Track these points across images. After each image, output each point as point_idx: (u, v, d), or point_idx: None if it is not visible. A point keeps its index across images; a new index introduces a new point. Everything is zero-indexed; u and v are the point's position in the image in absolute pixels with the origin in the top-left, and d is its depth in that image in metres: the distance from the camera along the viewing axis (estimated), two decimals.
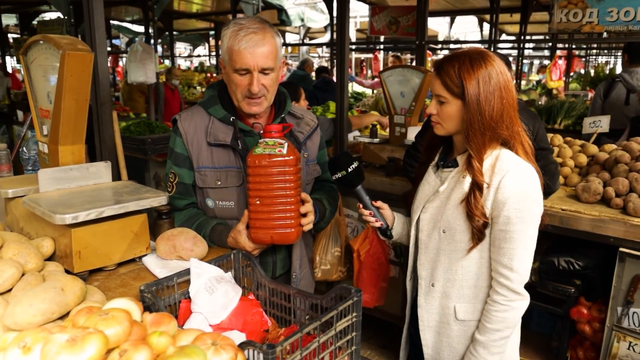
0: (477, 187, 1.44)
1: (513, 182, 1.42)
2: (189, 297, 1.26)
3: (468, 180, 1.47)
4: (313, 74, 7.72)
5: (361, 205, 1.67)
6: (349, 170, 1.60)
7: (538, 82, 11.09)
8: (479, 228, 1.45)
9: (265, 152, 1.46)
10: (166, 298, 1.25)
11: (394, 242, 1.81)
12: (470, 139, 1.45)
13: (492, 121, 1.43)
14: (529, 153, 1.50)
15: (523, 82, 10.73)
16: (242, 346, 0.93)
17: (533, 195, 1.44)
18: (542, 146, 2.24)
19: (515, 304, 1.46)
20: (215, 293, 1.23)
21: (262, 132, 1.56)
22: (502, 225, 1.43)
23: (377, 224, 1.68)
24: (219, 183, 1.68)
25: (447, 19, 10.82)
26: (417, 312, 1.64)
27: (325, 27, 10.24)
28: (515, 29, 10.28)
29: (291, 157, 1.45)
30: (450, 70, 1.44)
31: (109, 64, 2.85)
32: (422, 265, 1.62)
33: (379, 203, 1.70)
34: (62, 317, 1.05)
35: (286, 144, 1.47)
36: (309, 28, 10.91)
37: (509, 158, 1.46)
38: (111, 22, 10.40)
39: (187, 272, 1.28)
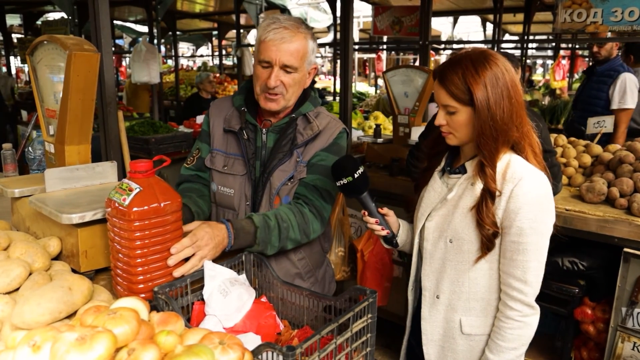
0: (489, 194, 1.37)
1: (526, 191, 1.35)
2: (202, 299, 1.26)
3: (478, 187, 1.40)
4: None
5: (366, 213, 1.58)
6: (355, 176, 1.48)
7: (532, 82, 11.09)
8: (489, 237, 1.38)
9: (112, 197, 1.20)
10: (179, 300, 1.24)
11: (398, 250, 1.73)
12: (483, 146, 1.37)
13: (503, 124, 1.36)
14: (538, 154, 1.44)
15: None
16: (261, 348, 0.93)
17: (546, 205, 1.38)
18: (545, 148, 2.22)
19: (529, 320, 1.40)
20: (229, 296, 1.23)
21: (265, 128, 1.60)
22: (515, 237, 1.36)
23: (383, 233, 1.59)
24: (225, 168, 1.71)
25: (450, 19, 10.78)
26: (421, 324, 1.57)
27: (328, 27, 10.23)
28: (519, 28, 10.24)
29: (134, 210, 1.16)
30: (454, 78, 1.35)
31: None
32: (426, 276, 1.54)
33: (384, 210, 1.61)
34: (69, 317, 1.06)
35: (136, 192, 1.17)
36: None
37: (520, 165, 1.39)
38: (114, 22, 10.42)
39: (199, 273, 1.28)
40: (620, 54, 4.22)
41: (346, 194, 1.54)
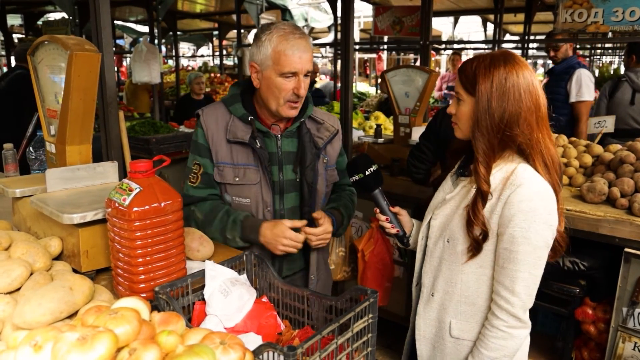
0: (480, 194, 1.36)
1: (521, 199, 1.32)
2: (203, 299, 1.26)
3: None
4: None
5: (378, 210, 1.61)
6: (367, 173, 1.56)
7: None
8: (476, 238, 1.37)
9: (112, 197, 1.20)
10: (180, 300, 1.24)
11: (411, 250, 1.71)
12: (477, 140, 1.36)
13: (502, 123, 1.33)
14: (550, 166, 1.39)
15: None
16: (262, 348, 0.93)
17: (543, 216, 1.33)
18: None
19: (515, 332, 1.36)
20: (230, 296, 1.23)
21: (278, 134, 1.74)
22: (507, 244, 1.34)
23: (393, 231, 1.62)
24: (237, 180, 1.72)
25: (451, 19, 10.77)
26: (415, 320, 1.59)
27: (329, 27, 10.23)
28: (519, 29, 10.24)
29: (134, 210, 1.16)
30: (469, 67, 1.38)
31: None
32: (425, 273, 1.56)
33: (396, 209, 1.63)
34: (71, 317, 1.06)
35: (136, 192, 1.17)
36: (312, 28, 10.91)
37: (524, 173, 1.36)
38: (115, 22, 10.42)
39: (200, 273, 1.28)
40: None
41: (359, 191, 1.64)
